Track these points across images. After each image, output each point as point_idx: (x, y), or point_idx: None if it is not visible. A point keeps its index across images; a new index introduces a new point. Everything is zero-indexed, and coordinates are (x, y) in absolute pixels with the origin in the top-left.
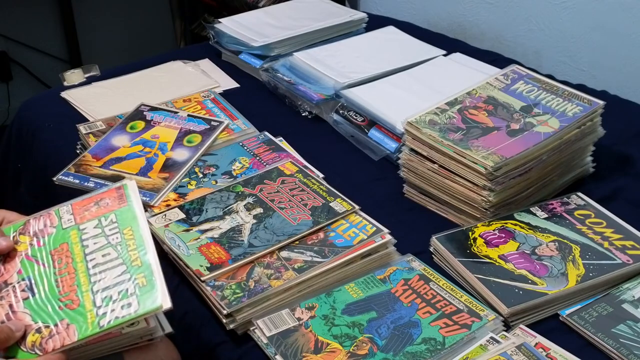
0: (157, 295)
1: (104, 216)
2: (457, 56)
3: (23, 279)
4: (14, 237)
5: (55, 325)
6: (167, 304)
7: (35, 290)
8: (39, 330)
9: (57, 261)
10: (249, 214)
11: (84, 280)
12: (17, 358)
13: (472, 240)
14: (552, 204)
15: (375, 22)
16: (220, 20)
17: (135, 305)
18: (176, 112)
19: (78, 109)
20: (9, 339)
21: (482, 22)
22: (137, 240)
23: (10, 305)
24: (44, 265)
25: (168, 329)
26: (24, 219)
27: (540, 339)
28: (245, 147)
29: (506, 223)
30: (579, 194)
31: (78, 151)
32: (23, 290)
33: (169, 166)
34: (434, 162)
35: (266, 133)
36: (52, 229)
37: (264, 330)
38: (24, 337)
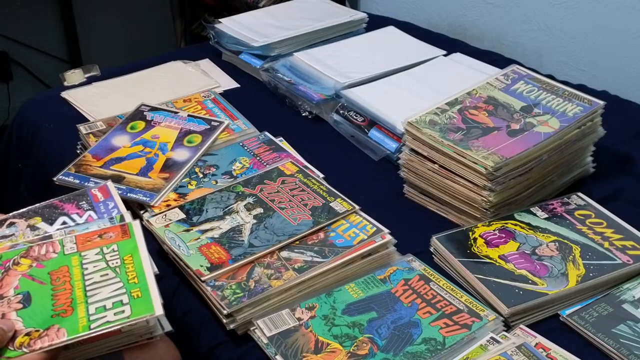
0: (150, 304)
1: (106, 246)
2: (457, 56)
3: (19, 293)
4: (15, 259)
5: (46, 329)
6: (160, 311)
7: (31, 303)
8: (28, 334)
9: (55, 279)
10: (249, 214)
11: (79, 294)
12: (3, 356)
13: (472, 241)
14: (552, 204)
15: (375, 22)
16: (220, 20)
17: (127, 311)
18: (176, 112)
19: (78, 109)
20: (2, 339)
21: (483, 22)
22: (136, 264)
23: (3, 314)
24: (42, 282)
25: (168, 327)
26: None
27: (541, 339)
28: (246, 147)
29: (506, 223)
30: (579, 194)
31: (78, 151)
32: (18, 302)
33: (169, 166)
34: (434, 162)
35: (266, 133)
36: (54, 255)
37: (264, 331)
38: (12, 339)
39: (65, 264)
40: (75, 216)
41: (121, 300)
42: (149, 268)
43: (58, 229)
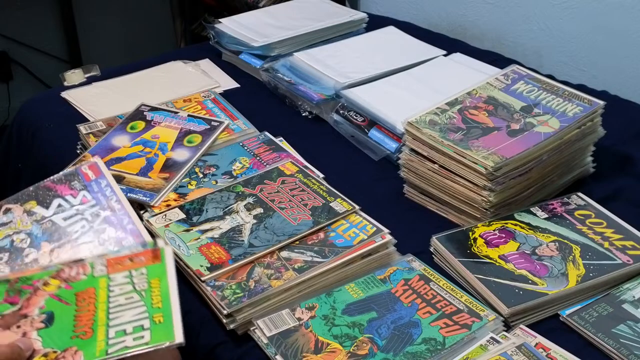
0: (171, 331)
1: (135, 269)
2: (458, 56)
3: (43, 313)
4: (44, 280)
5: (64, 350)
6: (180, 339)
7: (53, 322)
8: (45, 354)
9: (81, 300)
10: (249, 214)
11: (102, 316)
12: None
13: (472, 241)
14: (552, 204)
15: (375, 22)
16: (220, 20)
17: (147, 337)
18: (176, 112)
19: (78, 109)
20: (20, 357)
21: (483, 22)
22: (162, 288)
23: (24, 333)
24: (67, 303)
25: None
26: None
27: (541, 339)
28: (246, 147)
29: (506, 223)
30: (579, 194)
31: (78, 151)
32: (41, 322)
33: (169, 166)
34: (434, 162)
35: (266, 133)
36: (84, 276)
37: (264, 331)
38: (30, 358)
39: (92, 285)
40: (69, 197)
41: (142, 325)
42: (175, 293)
43: (92, 251)
